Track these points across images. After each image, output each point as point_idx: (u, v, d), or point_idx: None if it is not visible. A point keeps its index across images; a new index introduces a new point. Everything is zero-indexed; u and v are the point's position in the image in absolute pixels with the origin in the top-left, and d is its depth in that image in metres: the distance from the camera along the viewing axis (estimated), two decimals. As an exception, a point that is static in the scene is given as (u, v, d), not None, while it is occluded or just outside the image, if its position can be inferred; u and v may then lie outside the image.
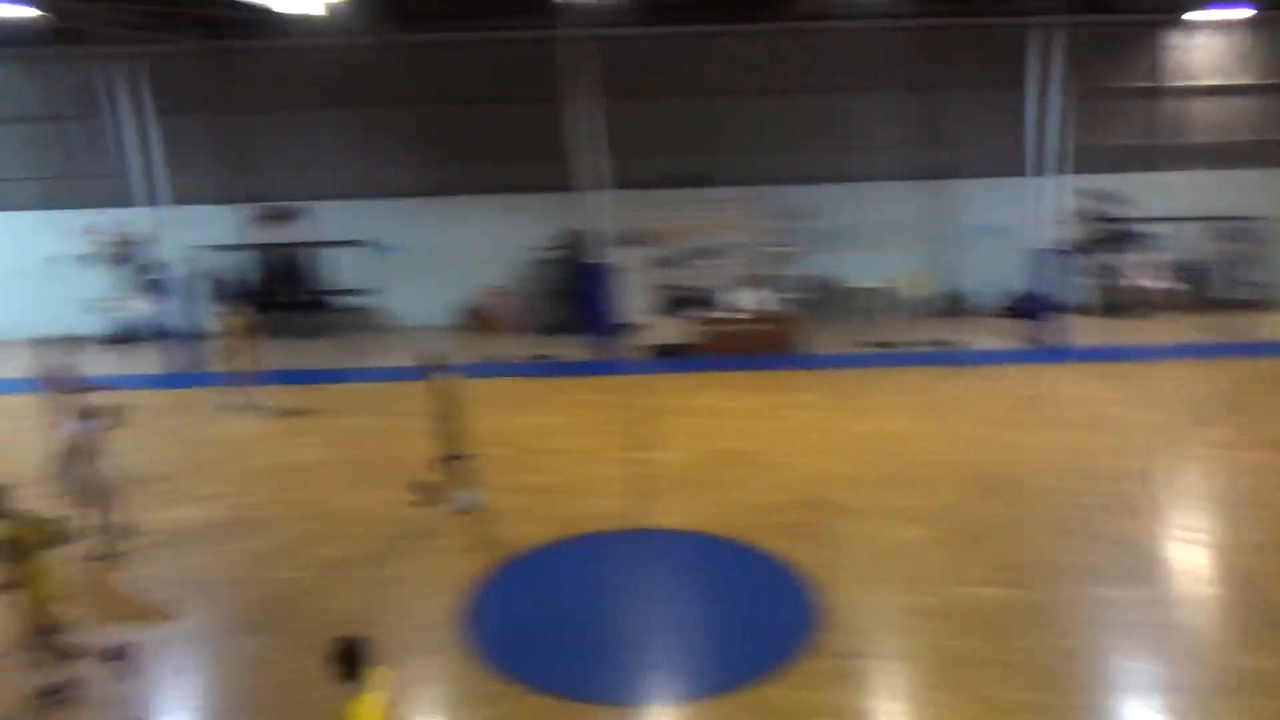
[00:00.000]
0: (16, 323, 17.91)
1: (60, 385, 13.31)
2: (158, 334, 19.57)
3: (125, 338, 20.76)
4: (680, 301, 19.61)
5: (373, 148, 20.62)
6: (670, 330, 18.63)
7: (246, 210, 20.65)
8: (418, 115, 20.39)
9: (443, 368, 11.46)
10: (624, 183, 18.72)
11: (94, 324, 20.86)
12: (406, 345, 19.13)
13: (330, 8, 14.32)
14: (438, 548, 10.84)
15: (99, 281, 20.91)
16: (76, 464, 10.69)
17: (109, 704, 8.16)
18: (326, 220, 20.68)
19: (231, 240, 20.67)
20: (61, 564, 8.41)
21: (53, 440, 12.08)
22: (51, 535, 8.25)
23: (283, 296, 20.79)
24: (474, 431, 11.72)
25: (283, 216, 20.70)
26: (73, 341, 14.84)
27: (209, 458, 13.99)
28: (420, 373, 11.60)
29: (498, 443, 13.81)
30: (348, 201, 20.66)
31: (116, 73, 17.91)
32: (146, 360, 19.11)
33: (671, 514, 11.27)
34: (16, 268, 20.85)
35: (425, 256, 20.66)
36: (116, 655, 8.47)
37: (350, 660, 5.26)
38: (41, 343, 13.56)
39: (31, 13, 14.02)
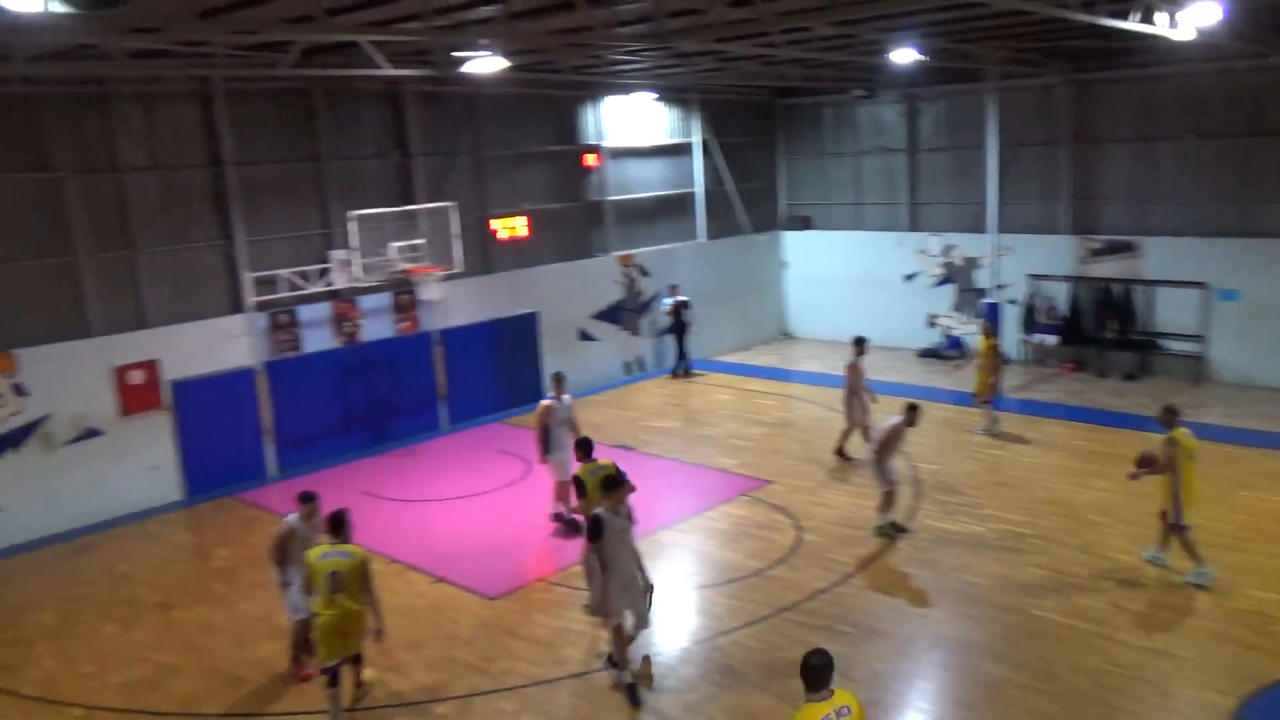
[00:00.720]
0: (863, 328, 19.35)
1: (867, 385, 15.06)
2: (967, 353, 20.53)
3: (940, 353, 22.22)
4: None
5: (1229, 181, 18.50)
6: None
7: (1077, 241, 20.31)
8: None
9: (1177, 423, 10.53)
10: None
11: (927, 338, 22.73)
12: (1232, 404, 17.00)
13: (1201, 31, 13.18)
14: (1222, 634, 9.51)
15: (937, 300, 22.69)
16: (887, 456, 12.14)
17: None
18: (1159, 257, 19.25)
19: (1055, 270, 20.57)
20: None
21: (870, 434, 13.78)
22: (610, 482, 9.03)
23: (1106, 332, 20.02)
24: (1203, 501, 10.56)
25: (1116, 250, 19.90)
26: (885, 350, 16.29)
27: (989, 477, 14.32)
28: (1160, 425, 10.72)
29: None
30: (1187, 239, 18.90)
31: (986, 107, 19.21)
32: (954, 377, 19.96)
33: None
34: (874, 281, 23.49)
35: (1271, 305, 17.96)
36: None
37: (810, 672, 5.46)
38: (860, 346, 15.29)
39: (916, 57, 15.63)
